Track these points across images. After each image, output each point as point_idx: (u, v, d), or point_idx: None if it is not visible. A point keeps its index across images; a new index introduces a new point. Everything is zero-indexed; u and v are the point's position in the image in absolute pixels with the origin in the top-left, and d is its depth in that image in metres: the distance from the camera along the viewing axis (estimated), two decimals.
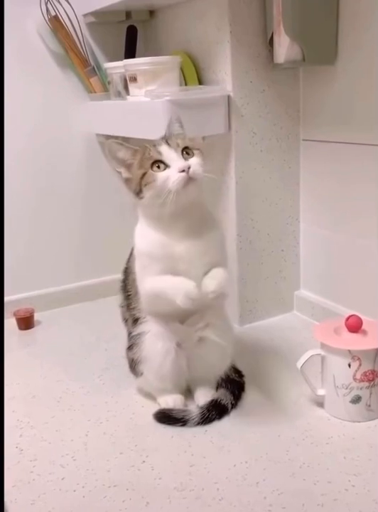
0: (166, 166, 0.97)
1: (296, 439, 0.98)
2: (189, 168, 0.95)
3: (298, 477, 0.89)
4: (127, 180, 1.02)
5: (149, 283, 1.01)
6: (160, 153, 0.97)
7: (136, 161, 1.00)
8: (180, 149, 0.98)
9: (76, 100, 1.58)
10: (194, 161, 0.97)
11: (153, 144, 0.99)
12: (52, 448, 1.01)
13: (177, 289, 0.96)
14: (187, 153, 0.98)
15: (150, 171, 0.97)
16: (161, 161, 0.97)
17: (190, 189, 0.96)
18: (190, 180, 0.95)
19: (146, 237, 1.01)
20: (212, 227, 1.03)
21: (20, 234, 1.59)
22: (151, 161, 0.97)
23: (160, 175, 0.96)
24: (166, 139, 0.99)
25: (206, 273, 1.00)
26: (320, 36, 1.22)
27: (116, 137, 1.59)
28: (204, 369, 1.09)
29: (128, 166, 1.01)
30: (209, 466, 0.93)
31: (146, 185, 0.98)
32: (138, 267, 1.04)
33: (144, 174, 0.98)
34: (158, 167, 0.97)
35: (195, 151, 0.99)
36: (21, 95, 1.52)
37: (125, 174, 1.02)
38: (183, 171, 0.95)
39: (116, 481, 0.91)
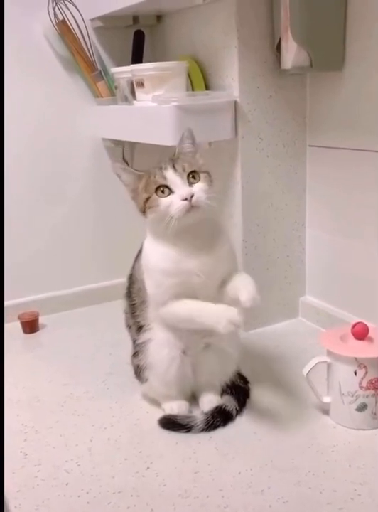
0: (170, 191, 0.97)
1: (301, 446, 0.98)
2: (192, 196, 0.95)
3: (303, 485, 0.88)
4: (133, 198, 1.03)
5: (177, 308, 1.00)
6: (164, 178, 0.97)
7: (141, 185, 1.00)
8: (185, 174, 0.98)
9: (83, 104, 1.58)
10: (198, 188, 0.97)
11: (160, 166, 0.99)
12: (57, 453, 1.00)
13: (219, 317, 0.94)
14: (193, 178, 0.98)
15: (154, 195, 0.97)
16: (166, 186, 0.97)
17: (192, 216, 0.96)
18: (192, 208, 0.96)
19: (157, 253, 1.01)
20: (221, 240, 1.03)
21: (24, 237, 1.59)
22: (156, 186, 0.97)
23: (164, 200, 0.97)
24: (173, 163, 0.98)
25: (220, 285, 1.01)
26: (327, 42, 1.21)
27: (123, 142, 1.60)
28: (210, 375, 1.09)
29: (133, 190, 1.02)
30: (214, 473, 0.92)
31: (149, 208, 0.98)
32: (151, 285, 1.03)
33: (148, 198, 0.98)
34: (162, 192, 0.97)
35: (201, 175, 0.99)
36: (28, 98, 1.53)
37: (131, 194, 1.03)
38: (186, 199, 0.95)
39: (121, 487, 0.90)
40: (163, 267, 0.99)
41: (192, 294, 1.00)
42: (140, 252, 1.08)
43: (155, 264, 1.01)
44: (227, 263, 1.03)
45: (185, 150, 1.02)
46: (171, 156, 1.02)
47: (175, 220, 0.95)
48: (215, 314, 0.96)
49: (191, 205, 0.95)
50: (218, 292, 1.01)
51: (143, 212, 1.00)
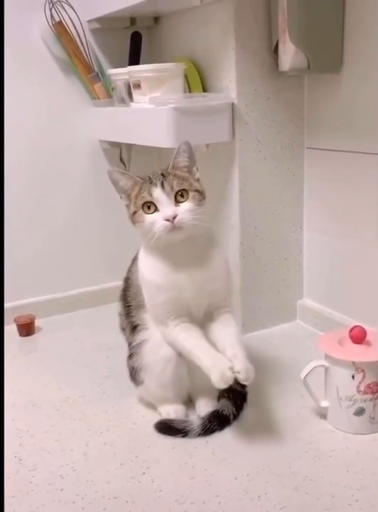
0: (156, 208, 0.97)
1: (299, 451, 0.97)
2: (175, 217, 0.95)
3: (300, 491, 0.87)
4: (127, 206, 1.03)
5: (179, 341, 1.00)
6: (151, 195, 0.97)
7: (134, 193, 1.00)
8: (173, 193, 0.97)
9: (80, 106, 1.58)
10: (183, 208, 0.97)
11: (151, 180, 0.99)
12: (52, 458, 0.99)
13: (214, 366, 0.95)
14: (182, 196, 0.98)
15: (140, 210, 0.98)
16: (152, 203, 0.97)
17: (175, 235, 0.97)
18: (175, 228, 0.96)
19: (150, 265, 1.02)
20: (214, 254, 1.03)
21: (21, 240, 1.58)
22: (142, 202, 0.98)
23: (148, 217, 0.97)
24: (163, 180, 0.98)
25: (211, 304, 1.02)
26: (325, 44, 1.21)
27: (120, 144, 1.59)
28: (206, 378, 1.08)
29: (129, 196, 1.02)
30: (211, 479, 0.91)
31: (136, 222, 0.99)
32: (146, 296, 1.04)
33: (135, 212, 0.99)
34: (149, 207, 0.98)
35: (190, 194, 0.98)
36: (25, 100, 1.52)
37: (125, 201, 1.03)
38: (168, 219, 0.95)
39: (116, 492, 0.89)
40: (155, 280, 1.00)
41: (185, 310, 1.01)
42: (137, 255, 1.08)
43: (148, 277, 1.02)
44: (220, 279, 1.03)
45: (180, 164, 1.01)
46: (164, 170, 1.01)
47: (158, 238, 0.96)
48: (211, 364, 0.96)
49: (174, 226, 0.95)
50: (209, 311, 1.03)
51: (133, 222, 1.01)
